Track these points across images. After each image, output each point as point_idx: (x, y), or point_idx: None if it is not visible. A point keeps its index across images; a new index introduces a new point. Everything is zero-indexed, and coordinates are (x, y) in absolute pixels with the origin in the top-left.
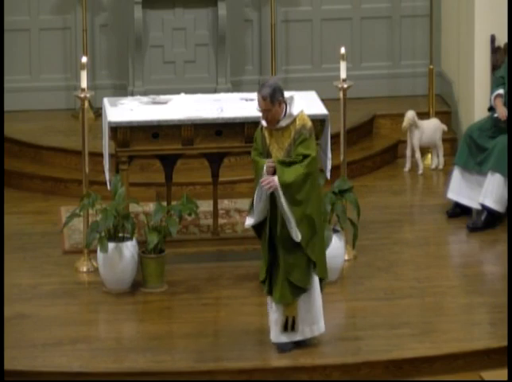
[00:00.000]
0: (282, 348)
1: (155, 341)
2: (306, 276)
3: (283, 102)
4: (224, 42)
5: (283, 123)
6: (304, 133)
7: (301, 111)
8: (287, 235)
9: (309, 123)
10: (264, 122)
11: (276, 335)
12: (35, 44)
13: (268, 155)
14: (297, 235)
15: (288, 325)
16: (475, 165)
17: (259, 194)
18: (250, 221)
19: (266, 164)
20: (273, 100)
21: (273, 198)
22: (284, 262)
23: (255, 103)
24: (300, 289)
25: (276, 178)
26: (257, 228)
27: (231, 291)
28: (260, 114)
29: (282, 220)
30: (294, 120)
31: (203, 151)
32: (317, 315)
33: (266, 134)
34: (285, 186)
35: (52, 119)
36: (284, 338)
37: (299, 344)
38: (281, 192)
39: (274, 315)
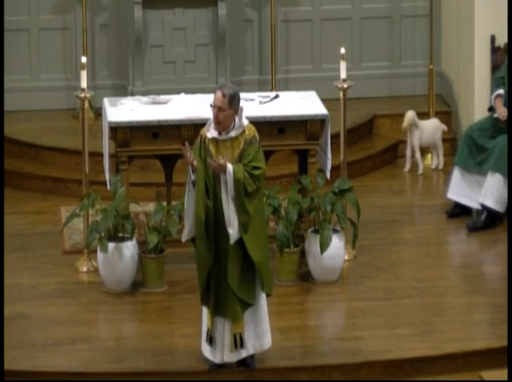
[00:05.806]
0: (250, 364)
1: (155, 340)
2: (253, 291)
3: (236, 112)
4: (224, 42)
5: (233, 134)
6: (254, 143)
7: (249, 123)
8: (236, 250)
9: (257, 135)
10: (210, 132)
11: (228, 355)
12: (35, 44)
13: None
14: (234, 237)
15: (237, 343)
16: (475, 165)
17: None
18: (187, 235)
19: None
20: (230, 102)
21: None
22: (231, 277)
23: (255, 103)
24: (247, 304)
25: (229, 165)
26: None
27: None
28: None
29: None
30: (244, 131)
31: None
32: (264, 329)
33: (211, 146)
34: (236, 179)
35: (52, 119)
36: (234, 357)
37: (243, 363)
38: (232, 183)
39: (221, 335)
